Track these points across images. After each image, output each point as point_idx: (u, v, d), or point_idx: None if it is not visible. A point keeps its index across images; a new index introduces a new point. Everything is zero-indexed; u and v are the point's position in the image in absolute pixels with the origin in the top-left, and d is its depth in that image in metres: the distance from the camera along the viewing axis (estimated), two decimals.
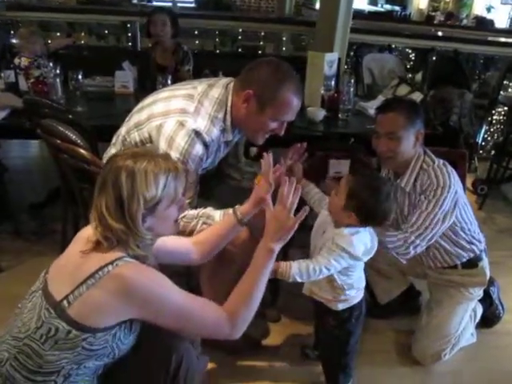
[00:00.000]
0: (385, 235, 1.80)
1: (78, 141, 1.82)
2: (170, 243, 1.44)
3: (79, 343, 1.14)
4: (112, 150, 1.85)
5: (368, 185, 1.52)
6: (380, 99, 3.04)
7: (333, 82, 2.79)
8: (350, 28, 3.72)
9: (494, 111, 4.90)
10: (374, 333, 2.22)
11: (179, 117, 1.63)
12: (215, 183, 2.04)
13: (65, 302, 1.14)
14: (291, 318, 2.27)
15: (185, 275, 2.21)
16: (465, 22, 11.90)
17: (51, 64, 2.80)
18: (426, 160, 1.87)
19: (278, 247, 1.34)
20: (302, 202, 1.87)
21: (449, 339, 2.02)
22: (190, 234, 1.63)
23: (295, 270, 1.48)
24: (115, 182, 1.15)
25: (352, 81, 2.81)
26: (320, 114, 2.62)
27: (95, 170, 1.74)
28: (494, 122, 4.97)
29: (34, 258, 2.56)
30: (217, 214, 1.65)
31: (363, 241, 1.55)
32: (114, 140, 1.88)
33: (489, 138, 4.97)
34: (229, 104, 1.69)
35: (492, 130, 4.98)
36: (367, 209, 1.51)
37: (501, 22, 11.02)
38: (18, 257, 2.57)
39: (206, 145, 1.64)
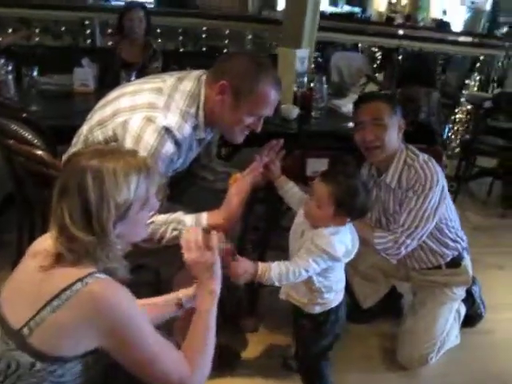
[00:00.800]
0: (374, 236, 1.73)
1: (35, 141, 1.63)
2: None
3: (46, 377, 0.98)
4: (73, 151, 1.68)
5: (349, 185, 1.44)
6: (352, 97, 2.98)
7: (305, 79, 2.70)
8: (317, 26, 3.64)
9: (457, 110, 4.98)
10: (356, 338, 2.14)
11: (147, 112, 1.47)
12: (186, 185, 1.89)
13: (25, 329, 0.97)
14: (269, 327, 2.16)
15: (153, 285, 2.07)
16: (421, 24, 12.16)
17: (2, 60, 2.58)
18: (409, 154, 1.81)
19: (217, 287, 1.20)
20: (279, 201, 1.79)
21: (434, 342, 1.96)
22: (160, 241, 1.49)
23: (274, 272, 1.40)
24: (80, 185, 0.99)
25: (324, 78, 2.72)
26: (294, 111, 2.52)
27: (55, 174, 1.57)
28: (457, 120, 5.05)
29: None
30: (188, 219, 1.51)
31: (344, 241, 1.47)
32: (74, 140, 1.71)
33: (453, 137, 5.04)
34: (201, 98, 1.54)
35: (456, 128, 5.05)
36: (359, 206, 1.45)
37: (456, 26, 11.32)
38: None
39: (177, 143, 1.49)
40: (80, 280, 0.98)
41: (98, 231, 1.00)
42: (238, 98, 1.49)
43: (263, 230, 2.38)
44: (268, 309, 2.23)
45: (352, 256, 1.50)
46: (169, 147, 1.47)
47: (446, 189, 1.81)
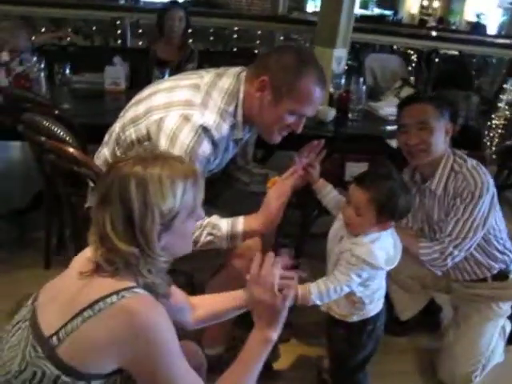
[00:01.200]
0: (419, 247, 1.63)
1: (67, 138, 1.58)
2: (174, 297, 1.20)
3: None
4: (104, 150, 1.63)
5: (389, 188, 1.35)
6: (390, 100, 2.88)
7: (342, 80, 2.60)
8: (352, 25, 3.53)
9: (493, 115, 4.80)
10: (393, 352, 2.03)
11: (183, 110, 1.39)
12: (221, 188, 1.82)
13: (54, 338, 0.90)
14: (302, 337, 2.07)
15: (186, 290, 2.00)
16: (454, 27, 11.94)
17: (34, 58, 2.57)
18: (456, 160, 1.70)
19: (275, 335, 1.09)
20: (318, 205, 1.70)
21: (479, 359, 1.83)
22: (194, 245, 1.41)
23: (315, 294, 1.34)
24: (122, 193, 0.92)
25: (361, 79, 2.63)
26: (330, 113, 2.44)
27: (86, 172, 1.52)
28: (493, 126, 4.87)
29: (16, 270, 2.32)
30: (223, 224, 1.43)
31: (385, 247, 1.38)
32: (106, 138, 1.66)
33: (488, 143, 4.86)
34: (240, 96, 1.46)
35: (492, 134, 4.87)
36: (402, 208, 1.36)
37: (491, 29, 11.06)
38: None
39: (214, 143, 1.42)
40: (116, 293, 0.91)
41: (142, 242, 0.93)
42: (278, 94, 1.41)
43: (296, 236, 2.30)
44: (300, 318, 2.13)
45: (395, 263, 1.41)
46: (206, 147, 1.39)
47: (496, 197, 1.69)
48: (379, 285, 1.48)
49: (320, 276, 1.46)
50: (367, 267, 1.34)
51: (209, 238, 1.42)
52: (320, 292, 1.33)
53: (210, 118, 1.41)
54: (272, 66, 1.41)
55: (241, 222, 1.43)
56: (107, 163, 1.59)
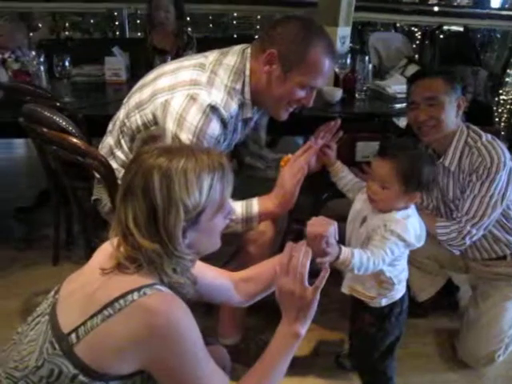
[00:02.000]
0: (436, 227, 1.58)
1: (70, 128, 1.53)
2: (210, 274, 1.16)
3: None
4: (109, 139, 1.58)
5: (411, 157, 1.32)
6: (397, 78, 2.81)
7: (348, 60, 2.53)
8: (354, 3, 3.45)
9: (501, 91, 4.71)
10: (412, 334, 1.98)
11: (189, 89, 1.34)
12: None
13: (73, 335, 0.87)
14: (320, 322, 2.01)
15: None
16: (455, 3, 11.75)
17: (33, 52, 2.52)
18: (471, 135, 1.64)
19: (304, 329, 1.03)
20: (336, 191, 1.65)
21: (501, 338, 1.79)
22: None
23: (356, 260, 1.26)
24: (146, 186, 0.88)
25: (367, 58, 2.56)
26: (337, 94, 2.38)
27: (91, 163, 1.47)
28: (501, 102, 4.77)
29: (24, 268, 2.31)
30: (238, 207, 1.39)
31: (414, 226, 1.35)
32: (110, 127, 1.61)
33: (496, 119, 4.77)
34: (247, 73, 1.41)
35: (500, 110, 4.78)
36: (426, 177, 1.33)
37: (494, 2, 10.86)
38: (6, 267, 2.30)
39: (223, 122, 1.36)
40: (137, 290, 0.86)
41: (165, 239, 0.88)
42: (287, 67, 1.35)
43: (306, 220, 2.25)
44: (319, 304, 2.10)
45: (422, 242, 1.38)
46: (215, 127, 1.34)
47: None
48: (404, 265, 1.45)
49: None
50: (402, 243, 1.31)
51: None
52: (361, 260, 1.26)
53: (217, 96, 1.36)
54: (279, 38, 1.35)
55: (255, 204, 1.39)
56: (112, 152, 1.55)
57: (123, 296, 0.86)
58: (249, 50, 1.43)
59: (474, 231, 1.59)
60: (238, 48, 1.45)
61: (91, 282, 0.91)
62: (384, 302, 1.45)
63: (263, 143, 1.77)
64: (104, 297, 0.87)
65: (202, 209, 0.91)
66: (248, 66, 1.41)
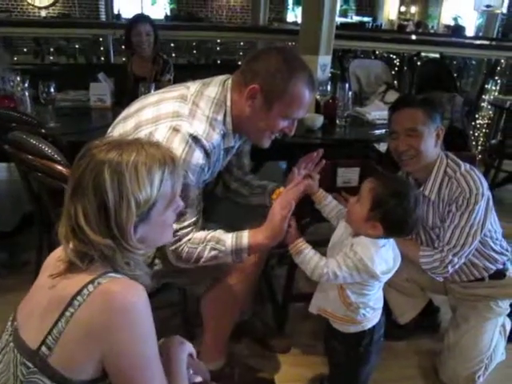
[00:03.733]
0: (419, 256, 1.63)
1: (55, 156, 1.55)
2: None
3: None
4: (87, 144, 1.59)
5: (397, 191, 1.32)
6: (376, 104, 2.89)
7: (328, 87, 2.61)
8: (334, 32, 3.56)
9: (477, 115, 4.85)
10: (394, 357, 2.01)
11: (172, 121, 1.37)
12: (215, 200, 1.80)
13: (43, 348, 0.87)
14: (302, 345, 2.04)
15: (178, 305, 1.97)
16: (432, 30, 12.13)
17: (18, 78, 2.54)
18: (449, 164, 1.69)
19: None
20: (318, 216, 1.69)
21: (481, 359, 1.82)
22: (197, 261, 1.39)
23: (307, 252, 1.37)
24: (96, 182, 0.88)
25: (347, 85, 2.63)
26: (319, 120, 2.43)
27: None
28: (477, 126, 4.92)
29: (5, 294, 2.25)
30: (228, 238, 1.40)
31: (385, 258, 1.35)
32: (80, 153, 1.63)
33: (473, 143, 4.90)
34: (228, 104, 1.44)
35: (476, 134, 4.92)
36: (395, 218, 1.31)
37: (468, 31, 11.23)
38: None
39: (206, 152, 1.39)
40: (91, 282, 0.87)
41: (117, 234, 0.89)
42: (270, 101, 1.38)
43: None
44: (298, 328, 2.12)
45: (391, 274, 1.39)
46: (198, 156, 1.36)
47: (491, 200, 1.69)
48: (377, 295, 1.45)
49: (315, 283, 1.46)
50: (362, 267, 1.31)
51: (213, 252, 1.38)
52: (310, 256, 1.36)
53: (199, 127, 1.39)
54: (261, 72, 1.38)
55: (246, 236, 1.39)
56: None
57: (79, 292, 0.86)
58: (229, 81, 1.46)
59: (455, 260, 1.63)
60: (219, 79, 1.49)
61: (45, 294, 0.91)
62: (352, 330, 1.46)
63: (247, 169, 1.80)
64: (62, 299, 0.87)
65: (153, 203, 0.92)
66: (229, 97, 1.44)
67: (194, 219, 1.38)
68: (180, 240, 1.36)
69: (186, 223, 1.36)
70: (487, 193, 1.63)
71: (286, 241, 1.39)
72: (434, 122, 1.65)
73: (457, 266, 1.66)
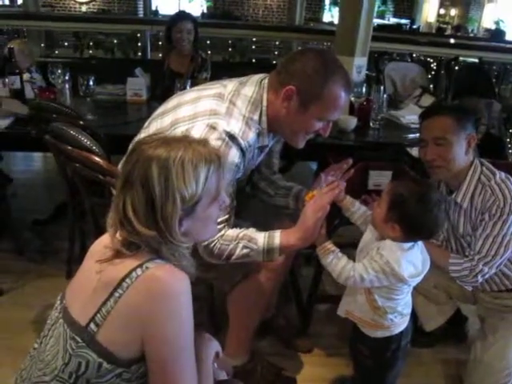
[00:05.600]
0: (448, 263, 1.61)
1: (93, 147, 1.60)
2: None
3: (114, 381, 0.92)
4: (137, 139, 1.63)
5: (414, 191, 1.32)
6: (411, 108, 2.86)
7: (363, 89, 2.59)
8: (371, 34, 3.53)
9: None
10: (419, 364, 1.99)
11: (209, 119, 1.38)
12: (244, 197, 1.81)
13: (92, 325, 0.92)
14: (325, 346, 2.04)
15: (205, 300, 2.00)
16: (472, 34, 11.85)
17: (60, 70, 2.62)
18: (484, 172, 1.65)
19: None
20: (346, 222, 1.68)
21: (509, 372, 1.77)
22: (228, 258, 1.40)
23: (333, 256, 1.38)
24: (144, 177, 0.92)
25: (382, 88, 2.61)
26: (352, 122, 2.42)
27: (111, 182, 1.52)
28: None
29: (38, 280, 2.35)
30: (260, 237, 1.41)
31: (412, 261, 1.34)
32: (130, 148, 1.67)
33: (510, 151, 4.77)
34: (264, 103, 1.45)
35: None
36: (413, 219, 1.31)
37: (510, 36, 10.92)
38: (21, 278, 2.35)
39: (242, 151, 1.40)
40: (139, 266, 0.92)
41: (162, 227, 0.93)
42: (305, 102, 1.39)
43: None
44: (322, 329, 2.12)
45: (421, 278, 1.38)
46: (234, 154, 1.38)
47: None
48: (405, 300, 1.44)
49: (341, 285, 1.45)
50: (388, 270, 1.30)
51: (245, 250, 1.40)
52: (338, 259, 1.36)
53: (235, 126, 1.40)
54: (297, 74, 1.38)
55: (278, 236, 1.40)
56: None
57: (128, 275, 0.91)
58: (266, 81, 1.47)
59: (486, 269, 1.60)
60: (255, 79, 1.50)
61: (93, 278, 0.96)
62: (380, 334, 1.45)
63: (275, 168, 1.80)
64: (111, 281, 0.92)
65: (199, 199, 0.95)
66: (265, 97, 1.45)
67: (226, 216, 1.40)
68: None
69: (218, 220, 1.38)
70: None
71: (315, 242, 1.40)
72: (465, 130, 1.61)
73: (487, 276, 1.62)
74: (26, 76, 2.65)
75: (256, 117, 1.45)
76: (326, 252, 1.38)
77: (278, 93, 1.42)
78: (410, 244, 1.35)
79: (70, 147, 1.57)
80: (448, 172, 1.65)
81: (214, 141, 1.35)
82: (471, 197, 1.65)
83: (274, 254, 1.41)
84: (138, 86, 2.82)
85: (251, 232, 1.42)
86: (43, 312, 2.07)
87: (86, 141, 1.60)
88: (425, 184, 1.40)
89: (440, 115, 1.64)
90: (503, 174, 1.65)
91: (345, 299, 1.51)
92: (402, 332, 1.47)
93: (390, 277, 1.32)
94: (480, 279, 1.62)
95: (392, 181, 1.38)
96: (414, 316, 1.96)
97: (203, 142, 1.02)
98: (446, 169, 1.64)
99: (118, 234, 0.96)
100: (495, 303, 1.85)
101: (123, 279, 0.91)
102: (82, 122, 1.82)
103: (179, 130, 1.41)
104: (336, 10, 10.42)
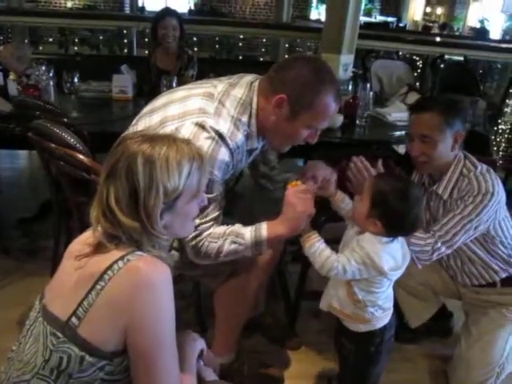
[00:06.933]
0: (412, 236, 1.58)
1: (77, 145, 1.58)
2: None
3: (97, 375, 0.92)
4: (123, 134, 1.62)
5: (394, 188, 1.33)
6: (398, 105, 2.88)
7: (349, 87, 2.60)
8: (357, 32, 3.54)
9: (499, 121, 4.78)
10: (404, 360, 2.01)
11: (197, 118, 1.38)
12: (233, 197, 1.81)
13: (73, 319, 0.92)
14: (312, 343, 2.05)
15: (191, 297, 1.99)
16: (457, 33, 11.97)
17: (44, 67, 2.59)
18: (466, 165, 1.67)
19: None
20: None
21: (492, 367, 1.80)
22: (217, 255, 1.40)
23: (317, 246, 1.37)
24: (129, 169, 0.95)
25: (368, 85, 2.62)
26: (338, 119, 2.43)
27: (97, 180, 1.51)
28: (500, 131, 4.84)
29: (24, 278, 2.32)
30: (247, 231, 1.41)
31: (392, 254, 1.35)
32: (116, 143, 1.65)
33: (495, 149, 4.83)
34: (254, 106, 1.44)
35: (498, 139, 4.84)
36: (395, 216, 1.32)
37: (494, 34, 11.05)
38: (6, 277, 2.32)
39: (230, 151, 1.40)
40: (121, 258, 0.93)
41: (144, 218, 0.95)
42: (296, 111, 1.39)
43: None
44: (309, 326, 2.13)
45: (401, 272, 1.40)
46: (224, 153, 1.37)
47: (505, 206, 1.66)
48: (385, 294, 1.44)
49: (326, 279, 1.47)
50: (369, 262, 1.31)
51: (233, 246, 1.40)
52: (321, 249, 1.36)
53: (224, 126, 1.39)
54: (290, 82, 1.38)
55: (264, 228, 1.40)
56: None
57: (109, 267, 0.92)
58: (256, 84, 1.46)
59: (443, 249, 1.60)
60: (245, 80, 1.48)
61: (73, 274, 0.96)
62: (362, 328, 1.45)
63: (273, 164, 1.81)
64: (92, 275, 0.93)
65: (180, 193, 0.99)
66: (255, 100, 1.44)
67: (215, 214, 1.39)
68: (201, 234, 1.38)
69: (207, 218, 1.38)
70: (499, 197, 1.60)
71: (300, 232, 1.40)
72: (452, 128, 1.62)
73: (440, 256, 1.63)
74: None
75: (245, 119, 1.44)
76: (311, 242, 1.38)
77: (269, 99, 1.41)
78: (384, 238, 1.35)
79: (53, 145, 1.55)
80: (431, 168, 1.68)
81: (204, 139, 1.34)
82: (452, 188, 1.67)
83: (263, 247, 1.42)
84: (123, 83, 2.79)
85: (238, 227, 1.42)
86: (29, 312, 2.04)
87: (69, 138, 1.58)
88: (406, 180, 1.42)
89: (429, 111, 1.63)
90: (485, 168, 1.66)
91: (327, 292, 1.52)
92: (385, 326, 1.47)
93: (370, 269, 1.33)
94: (435, 257, 1.62)
95: (372, 177, 1.38)
96: (399, 312, 1.98)
97: (187, 141, 1.05)
98: (430, 165, 1.66)
99: (99, 227, 0.97)
100: (477, 298, 1.88)
101: (105, 272, 0.92)
102: (66, 120, 1.80)
103: (168, 129, 1.40)
104: (323, 8, 10.43)
